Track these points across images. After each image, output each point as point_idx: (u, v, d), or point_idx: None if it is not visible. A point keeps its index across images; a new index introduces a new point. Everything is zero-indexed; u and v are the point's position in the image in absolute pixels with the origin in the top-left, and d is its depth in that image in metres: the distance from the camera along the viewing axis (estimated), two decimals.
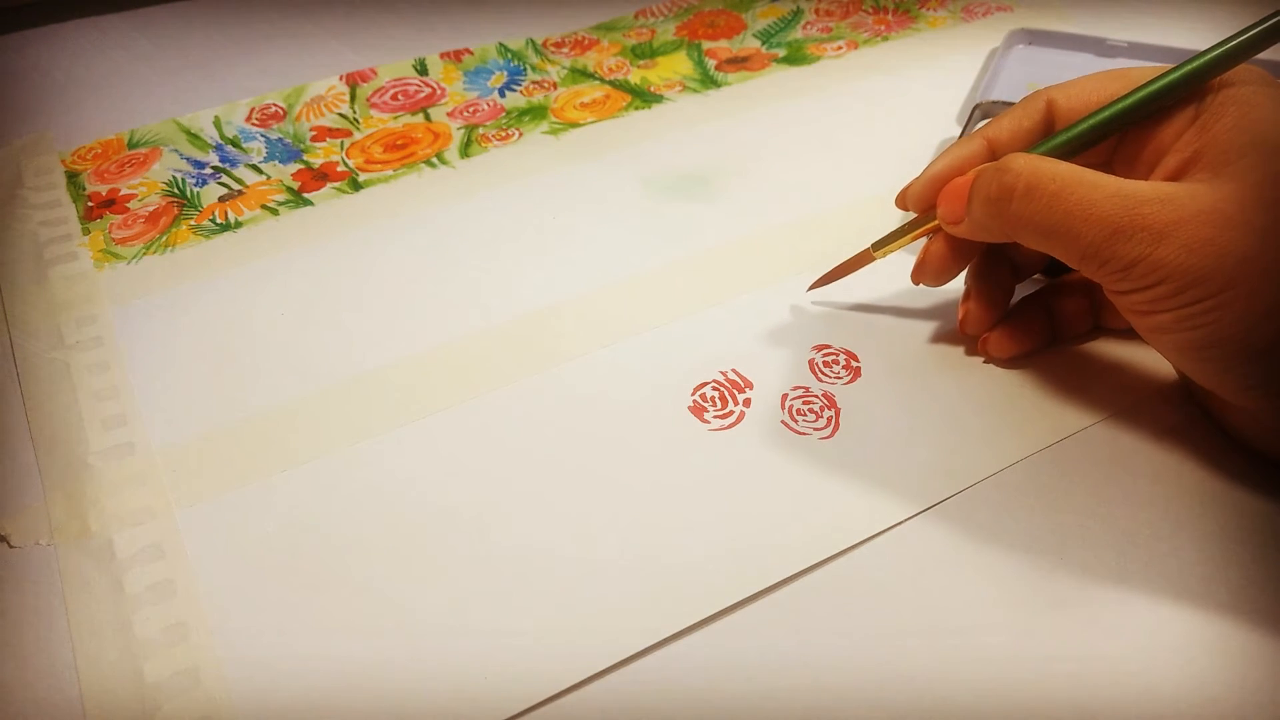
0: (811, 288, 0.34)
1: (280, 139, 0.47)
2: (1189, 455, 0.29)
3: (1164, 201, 0.24)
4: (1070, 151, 0.28)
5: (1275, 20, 0.26)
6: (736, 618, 0.25)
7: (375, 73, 0.52)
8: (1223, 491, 0.28)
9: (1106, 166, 0.29)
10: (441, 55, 0.53)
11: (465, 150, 0.46)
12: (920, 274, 0.32)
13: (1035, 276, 0.34)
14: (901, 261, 0.33)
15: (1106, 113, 0.28)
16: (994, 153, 0.30)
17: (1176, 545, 0.27)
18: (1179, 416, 0.30)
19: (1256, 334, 0.24)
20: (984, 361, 0.32)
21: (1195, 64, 0.26)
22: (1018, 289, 0.33)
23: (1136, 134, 0.28)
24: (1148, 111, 0.27)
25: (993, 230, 0.28)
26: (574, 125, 0.47)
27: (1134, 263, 0.24)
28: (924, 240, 0.32)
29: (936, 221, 0.30)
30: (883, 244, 0.32)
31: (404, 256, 0.39)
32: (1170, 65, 0.27)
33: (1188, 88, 0.27)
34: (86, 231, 0.41)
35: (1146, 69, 0.28)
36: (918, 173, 0.31)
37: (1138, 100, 0.27)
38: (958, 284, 0.33)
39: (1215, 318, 0.24)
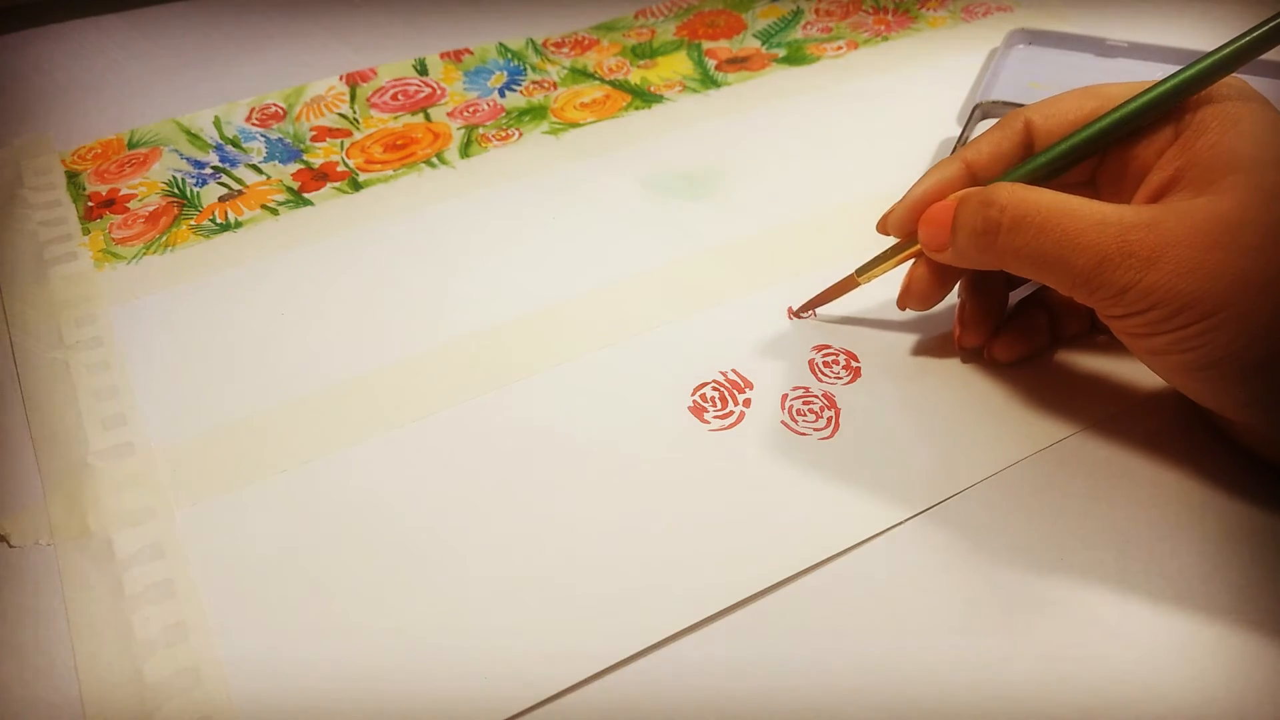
0: (798, 311, 0.35)
1: (280, 139, 0.47)
2: (1189, 456, 0.29)
3: (1150, 226, 0.24)
4: (1050, 174, 0.28)
5: (1251, 38, 0.25)
6: (736, 618, 0.25)
7: (375, 73, 0.52)
8: (1222, 492, 0.28)
9: (1089, 185, 0.29)
10: (441, 55, 0.53)
11: (465, 150, 0.46)
12: (906, 299, 0.32)
13: None
14: (901, 264, 0.33)
15: (1084, 134, 0.28)
16: (973, 175, 0.30)
17: (1176, 545, 0.27)
18: (1179, 418, 0.30)
19: (1251, 353, 0.23)
20: (985, 362, 0.32)
21: (1172, 83, 0.26)
22: (1019, 290, 0.33)
23: (1119, 152, 0.28)
24: (1126, 131, 0.27)
25: (980, 262, 0.28)
26: (574, 125, 0.47)
27: (1125, 289, 0.24)
28: (908, 264, 0.32)
29: (919, 246, 0.30)
30: (867, 269, 0.32)
31: (404, 256, 0.39)
32: (1164, 69, 0.27)
33: (1165, 106, 0.26)
34: (86, 231, 0.41)
35: (1124, 86, 0.28)
36: (917, 174, 0.31)
37: (1114, 121, 0.27)
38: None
39: (1209, 339, 0.24)
